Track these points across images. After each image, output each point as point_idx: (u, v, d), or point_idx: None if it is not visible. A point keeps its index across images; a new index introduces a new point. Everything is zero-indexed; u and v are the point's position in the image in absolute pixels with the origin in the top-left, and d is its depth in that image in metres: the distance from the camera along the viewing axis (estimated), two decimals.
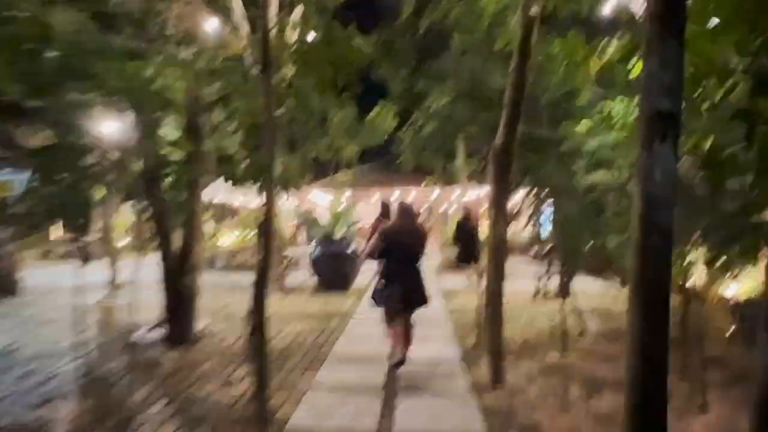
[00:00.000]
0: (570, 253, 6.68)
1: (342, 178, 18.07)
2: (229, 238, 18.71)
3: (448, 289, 8.72)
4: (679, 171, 2.41)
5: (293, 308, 6.87)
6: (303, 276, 9.08)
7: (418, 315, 6.26)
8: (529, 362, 4.97)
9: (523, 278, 10.65)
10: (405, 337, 4.68)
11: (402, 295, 4.38)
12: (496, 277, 4.44)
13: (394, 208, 8.54)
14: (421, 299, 4.66)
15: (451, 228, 18.95)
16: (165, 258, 4.84)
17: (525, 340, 5.88)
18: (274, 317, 5.81)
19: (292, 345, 4.97)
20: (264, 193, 3.83)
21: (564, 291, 8.20)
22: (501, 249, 4.43)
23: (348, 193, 23.22)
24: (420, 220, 16.86)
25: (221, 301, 7.35)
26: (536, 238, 16.47)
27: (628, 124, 4.19)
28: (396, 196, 23.84)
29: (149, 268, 5.45)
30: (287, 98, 6.21)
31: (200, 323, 5.54)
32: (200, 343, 5.23)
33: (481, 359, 4.74)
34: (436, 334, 5.61)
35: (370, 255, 4.88)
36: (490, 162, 3.54)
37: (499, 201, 3.71)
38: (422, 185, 20.97)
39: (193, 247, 5.12)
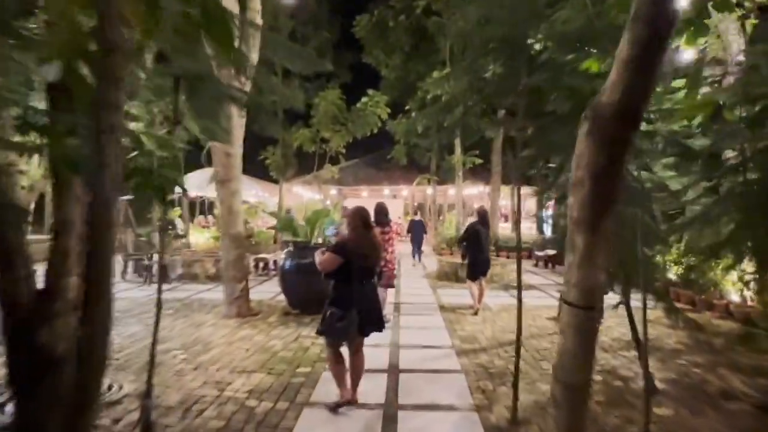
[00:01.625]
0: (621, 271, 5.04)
1: (327, 173, 16.30)
2: (201, 236, 16.86)
3: (451, 310, 7.11)
4: None
5: (247, 346, 5.02)
6: (277, 288, 7.36)
7: (418, 362, 4.59)
8: None
9: (537, 289, 9.16)
10: (357, 370, 3.58)
11: (359, 323, 3.44)
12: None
13: (384, 207, 6.92)
14: (377, 324, 3.64)
15: (448, 228, 17.43)
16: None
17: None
18: (216, 364, 4.44)
19: (233, 424, 3.14)
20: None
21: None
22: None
23: (334, 190, 21.57)
24: (419, 217, 15.41)
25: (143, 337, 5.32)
26: (539, 241, 15.05)
27: None
28: (386, 193, 22.28)
29: None
30: None
31: None
32: None
33: None
34: (445, 397, 3.65)
35: (326, 273, 3.59)
36: (587, 132, 1.81)
37: (604, 199, 1.95)
38: (414, 183, 19.28)
39: (61, 281, 3.29)
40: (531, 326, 6.19)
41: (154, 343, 2.97)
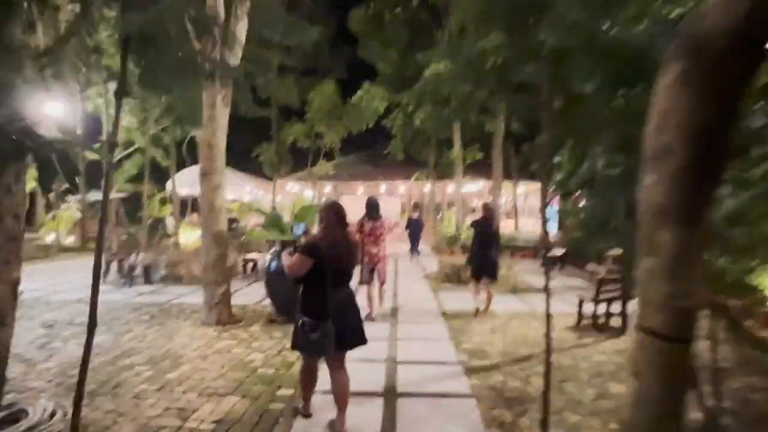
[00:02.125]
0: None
1: (321, 169, 15.64)
2: (191, 236, 16.20)
3: (454, 317, 6.46)
4: None
5: (223, 361, 4.37)
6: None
7: (420, 383, 4.12)
8: None
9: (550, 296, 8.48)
10: (340, 391, 2.97)
11: (336, 335, 2.90)
12: None
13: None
14: (358, 336, 3.09)
15: (447, 227, 16.79)
16: None
17: None
18: (183, 384, 3.78)
19: None
20: None
21: (623, 324, 6.00)
22: None
23: (329, 187, 20.90)
24: (417, 215, 14.83)
25: (113, 346, 4.78)
26: (544, 239, 14.40)
27: None
28: (383, 189, 21.64)
29: None
30: None
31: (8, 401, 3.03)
32: None
33: None
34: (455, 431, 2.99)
35: (295, 276, 3.05)
36: (681, 78, 1.14)
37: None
38: (412, 179, 18.64)
39: None
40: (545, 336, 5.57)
41: (82, 372, 2.31)
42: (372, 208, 6.12)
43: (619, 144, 2.56)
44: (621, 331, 5.91)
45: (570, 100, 2.93)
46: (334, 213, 3.14)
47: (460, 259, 11.04)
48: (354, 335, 3.05)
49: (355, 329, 3.08)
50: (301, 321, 2.89)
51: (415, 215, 14.56)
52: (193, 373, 4.12)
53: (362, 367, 3.95)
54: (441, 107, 15.17)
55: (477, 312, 6.69)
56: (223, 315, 5.91)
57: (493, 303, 6.92)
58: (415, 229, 13.64)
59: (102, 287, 2.72)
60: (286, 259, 3.10)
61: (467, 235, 15.51)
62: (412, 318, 6.61)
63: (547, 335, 2.72)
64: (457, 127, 16.02)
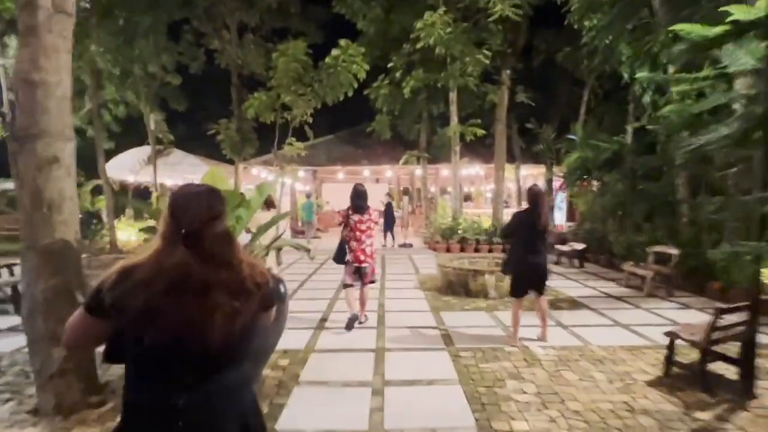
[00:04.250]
0: None
1: (291, 149, 12.85)
2: (129, 232, 13.36)
3: (467, 350, 4.11)
4: None
5: None
6: None
7: None
8: None
9: (587, 308, 6.04)
10: None
11: None
12: None
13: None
14: None
15: (442, 217, 14.21)
16: None
17: None
18: None
19: None
20: None
21: (745, 379, 3.58)
22: None
23: (302, 171, 18.06)
24: (389, 199, 12.41)
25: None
26: (554, 231, 12.00)
27: None
28: (367, 174, 18.86)
29: None
30: None
31: None
32: None
33: None
34: None
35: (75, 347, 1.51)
36: None
37: None
38: (400, 162, 15.97)
39: None
40: (626, 405, 3.38)
41: None
42: (359, 199, 5.20)
43: None
44: (744, 390, 3.53)
45: None
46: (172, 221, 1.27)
47: (463, 257, 8.79)
48: None
49: None
50: None
51: (388, 199, 14.09)
52: None
53: None
54: (436, 72, 12.48)
55: (514, 344, 4.60)
56: (69, 395, 3.24)
57: (520, 329, 4.72)
58: (389, 215, 13.90)
59: None
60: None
61: (466, 227, 13.04)
62: (403, 344, 4.51)
63: None
64: (454, 98, 13.36)
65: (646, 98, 8.95)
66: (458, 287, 7.20)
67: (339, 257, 5.29)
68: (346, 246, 5.22)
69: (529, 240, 4.54)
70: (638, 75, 7.32)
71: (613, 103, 13.11)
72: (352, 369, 4.09)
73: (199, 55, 16.50)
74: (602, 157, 10.25)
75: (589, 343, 4.85)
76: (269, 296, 1.32)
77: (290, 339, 4.77)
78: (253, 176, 16.92)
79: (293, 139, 12.79)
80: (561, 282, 8.39)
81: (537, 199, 4.48)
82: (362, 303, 5.47)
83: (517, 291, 4.69)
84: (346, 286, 5.33)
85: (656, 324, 5.66)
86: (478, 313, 6.19)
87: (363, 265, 5.22)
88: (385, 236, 13.91)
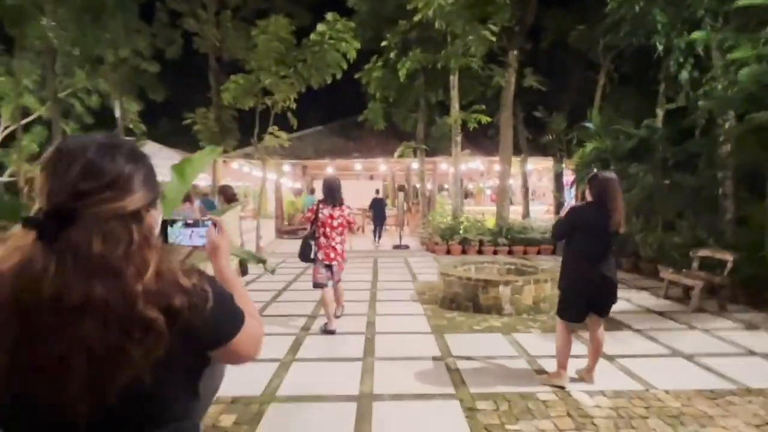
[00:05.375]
0: None
1: (272, 141, 11.44)
2: None
3: (482, 398, 2.88)
4: None
5: None
6: None
7: None
8: None
9: (629, 328, 4.70)
10: None
11: None
12: None
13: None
14: None
15: (441, 215, 12.78)
16: None
17: None
18: None
19: None
20: None
21: None
22: None
23: (287, 165, 16.66)
24: (380, 195, 10.95)
25: None
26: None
27: None
28: (359, 168, 17.48)
29: None
30: None
31: None
32: None
33: None
34: None
35: None
36: None
37: None
38: (395, 155, 14.55)
39: None
40: None
41: None
42: (331, 191, 5.00)
43: None
44: None
45: None
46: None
47: (467, 261, 7.13)
48: None
49: None
50: None
51: (379, 195, 13.40)
52: None
53: None
54: (435, 51, 11.11)
55: (560, 384, 3.43)
56: None
57: (544, 361, 3.44)
58: (379, 210, 13.09)
59: None
60: None
61: (467, 226, 11.70)
62: (397, 426, 2.84)
63: None
64: (455, 82, 12.00)
65: (684, 74, 7.64)
66: (465, 301, 5.86)
67: (304, 255, 4.97)
68: (312, 242, 4.95)
69: (593, 244, 3.26)
70: (693, 35, 6.00)
71: (632, 87, 11.77)
72: None
73: (176, 37, 15.11)
74: (626, 147, 8.91)
75: (651, 387, 3.55)
76: (195, 329, 0.76)
77: (243, 379, 3.40)
78: (233, 170, 15.50)
79: (275, 127, 11.38)
80: None
81: (607, 190, 3.15)
82: (338, 300, 5.37)
83: (573, 312, 3.40)
84: (316, 286, 4.94)
85: (728, 354, 4.35)
86: (492, 336, 4.88)
87: (333, 263, 4.93)
88: (374, 235, 13.03)
